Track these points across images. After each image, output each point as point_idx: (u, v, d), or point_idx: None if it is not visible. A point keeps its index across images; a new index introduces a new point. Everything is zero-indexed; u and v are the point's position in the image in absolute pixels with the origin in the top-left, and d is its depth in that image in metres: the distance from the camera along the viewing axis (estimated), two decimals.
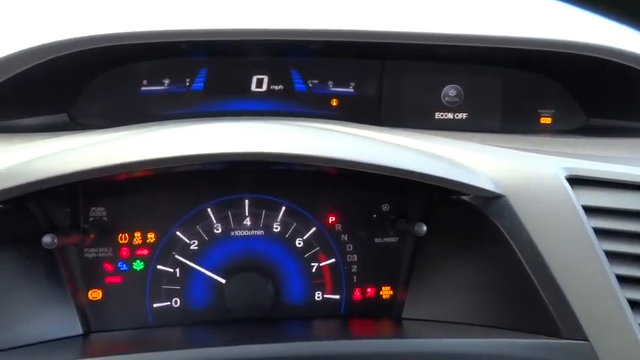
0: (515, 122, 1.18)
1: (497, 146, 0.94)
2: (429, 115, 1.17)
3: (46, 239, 0.83)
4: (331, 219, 1.02)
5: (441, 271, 0.95)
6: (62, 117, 1.08)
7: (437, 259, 0.96)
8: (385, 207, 1.02)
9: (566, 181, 0.87)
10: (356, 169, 0.80)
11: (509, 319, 0.88)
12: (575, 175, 0.88)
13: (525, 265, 0.85)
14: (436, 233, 0.92)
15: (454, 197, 0.89)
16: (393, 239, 1.02)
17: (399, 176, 0.82)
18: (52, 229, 0.92)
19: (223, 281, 0.97)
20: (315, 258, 1.01)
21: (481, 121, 1.18)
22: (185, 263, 0.98)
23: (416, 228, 0.90)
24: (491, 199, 0.86)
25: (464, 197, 0.88)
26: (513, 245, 0.85)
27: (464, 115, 1.18)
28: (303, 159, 0.79)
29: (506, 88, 1.18)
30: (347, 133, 0.90)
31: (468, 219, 0.89)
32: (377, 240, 1.03)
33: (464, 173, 0.85)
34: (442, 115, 1.18)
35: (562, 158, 0.90)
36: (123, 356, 0.79)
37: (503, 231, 0.86)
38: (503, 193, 0.85)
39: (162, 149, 0.78)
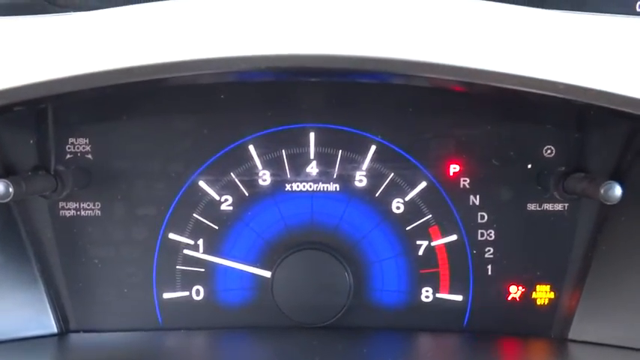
0: None
1: None
2: None
3: None
4: (453, 168, 0.86)
5: None
6: None
7: (635, 241, 0.82)
8: (549, 151, 0.84)
9: None
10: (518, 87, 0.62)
11: None
12: None
13: None
14: (638, 200, 0.80)
15: None
16: (559, 206, 0.85)
17: (589, 101, 0.63)
18: (7, 172, 0.81)
19: (272, 266, 0.85)
20: (423, 233, 0.87)
21: None
22: (213, 232, 0.86)
23: (603, 190, 0.75)
24: None
25: None
26: None
27: None
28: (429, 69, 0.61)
29: None
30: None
31: None
32: (531, 207, 0.86)
33: None
34: None
35: None
36: None
37: None
38: None
39: (184, 46, 0.61)
